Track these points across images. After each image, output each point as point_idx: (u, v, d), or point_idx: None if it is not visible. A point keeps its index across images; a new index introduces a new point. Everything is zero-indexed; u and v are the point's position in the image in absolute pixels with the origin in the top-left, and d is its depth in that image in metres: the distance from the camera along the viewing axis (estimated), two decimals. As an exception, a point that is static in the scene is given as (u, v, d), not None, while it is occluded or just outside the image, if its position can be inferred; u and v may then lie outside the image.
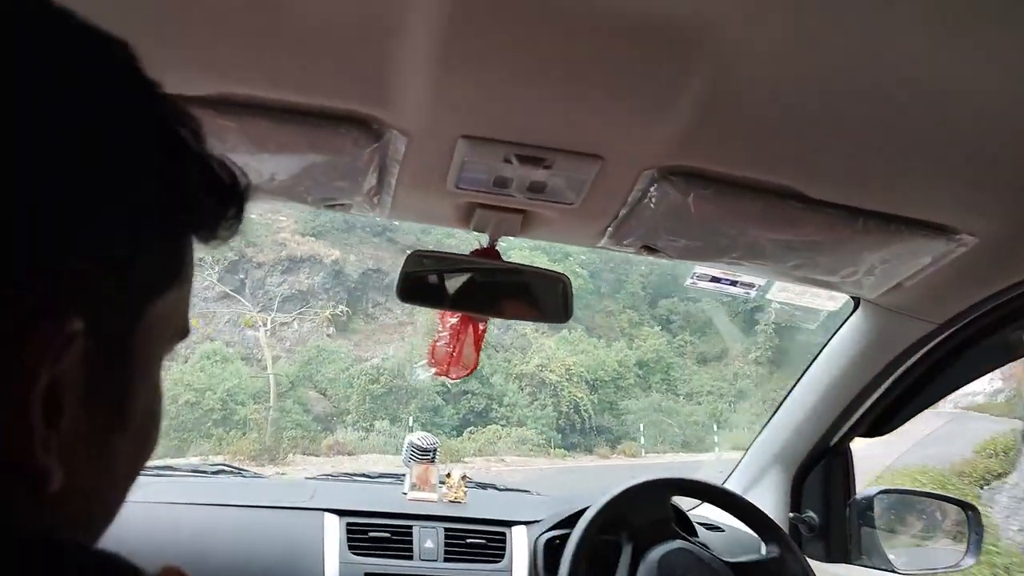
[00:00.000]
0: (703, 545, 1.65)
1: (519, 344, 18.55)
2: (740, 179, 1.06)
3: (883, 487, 1.76)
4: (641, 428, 17.18)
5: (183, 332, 0.49)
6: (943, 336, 1.37)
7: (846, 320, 1.50)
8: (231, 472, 1.87)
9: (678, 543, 1.43)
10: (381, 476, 1.98)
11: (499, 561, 1.57)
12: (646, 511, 1.46)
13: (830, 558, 1.70)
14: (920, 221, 1.12)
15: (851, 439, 1.68)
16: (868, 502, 1.72)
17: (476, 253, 1.23)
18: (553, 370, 18.04)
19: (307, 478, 1.93)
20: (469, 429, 16.22)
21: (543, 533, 1.61)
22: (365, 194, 1.10)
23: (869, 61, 0.80)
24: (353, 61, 0.86)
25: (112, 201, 0.39)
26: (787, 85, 0.85)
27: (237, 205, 0.47)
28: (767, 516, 1.54)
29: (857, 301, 1.45)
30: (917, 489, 1.84)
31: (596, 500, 1.47)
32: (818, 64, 0.81)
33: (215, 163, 0.46)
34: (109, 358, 0.41)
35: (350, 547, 1.52)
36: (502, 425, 16.44)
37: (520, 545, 1.59)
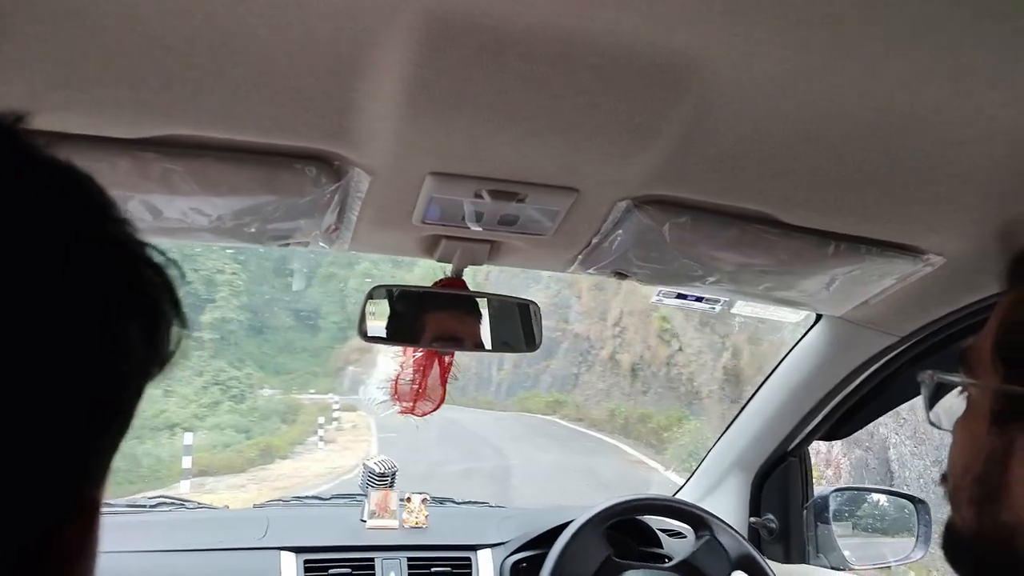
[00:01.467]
0: (668, 557, 1.66)
1: None
2: (715, 206, 1.03)
3: (838, 486, 1.79)
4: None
5: None
6: (903, 348, 1.38)
7: (808, 331, 1.51)
8: (172, 504, 1.75)
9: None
10: (335, 498, 1.90)
11: (466, 588, 1.53)
12: (589, 559, 1.44)
13: (788, 559, 1.73)
14: (890, 243, 1.12)
15: (809, 443, 1.70)
16: (824, 502, 1.75)
17: (440, 284, 1.17)
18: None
19: (256, 506, 1.83)
20: None
21: (509, 556, 1.57)
22: (323, 232, 1.02)
23: (845, 92, 0.78)
24: (315, 101, 0.77)
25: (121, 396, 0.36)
26: (766, 118, 0.83)
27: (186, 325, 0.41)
28: (688, 505, 1.54)
29: (820, 315, 1.46)
30: (869, 486, 1.89)
31: (575, 519, 1.43)
32: (797, 97, 0.79)
33: (176, 295, 0.39)
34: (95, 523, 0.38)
35: None
36: None
37: (487, 570, 1.55)
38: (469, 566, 1.56)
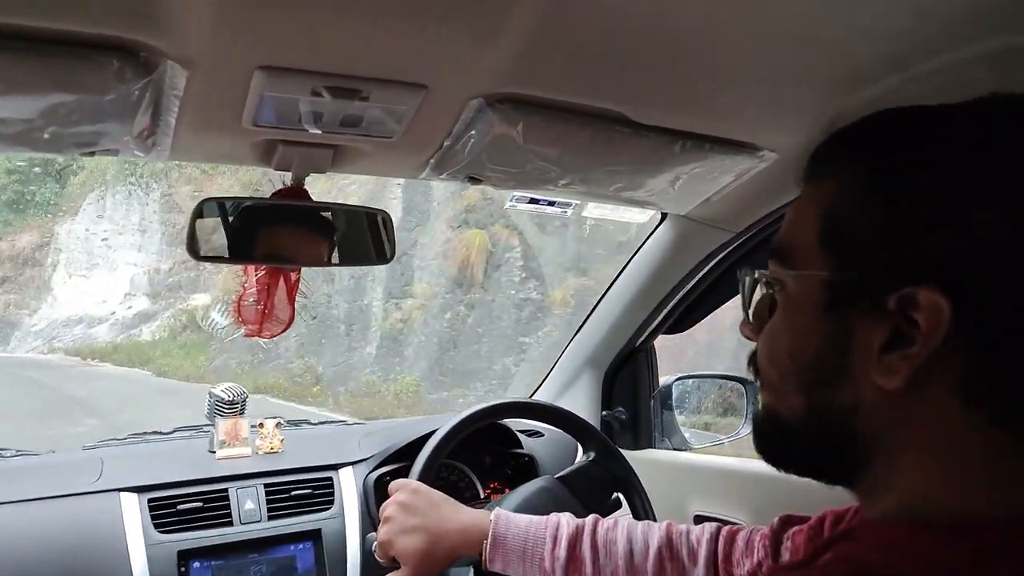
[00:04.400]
0: (528, 456, 1.71)
1: None
2: (568, 105, 1.01)
3: (680, 375, 1.92)
4: None
5: None
6: (737, 243, 1.47)
7: (654, 231, 1.56)
8: None
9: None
10: (177, 431, 1.78)
11: (329, 508, 1.49)
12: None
13: (637, 446, 1.85)
14: (730, 140, 1.16)
15: (655, 337, 1.80)
16: (667, 390, 1.87)
17: (280, 194, 1.07)
18: None
19: (86, 447, 1.66)
20: None
21: (372, 471, 1.55)
22: (136, 137, 0.88)
23: None
24: None
25: None
26: (616, 11, 0.81)
27: None
28: (582, 420, 1.56)
29: (665, 214, 1.50)
30: (706, 373, 2.04)
31: (436, 430, 1.41)
32: None
33: None
34: None
35: (157, 526, 1.35)
36: None
37: (349, 488, 1.53)
38: (331, 486, 1.52)
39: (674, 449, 1.84)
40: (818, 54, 0.93)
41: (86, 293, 15.95)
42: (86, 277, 16.18)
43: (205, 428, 1.70)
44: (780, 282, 0.58)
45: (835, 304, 0.53)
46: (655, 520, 1.33)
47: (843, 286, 0.52)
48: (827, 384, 0.53)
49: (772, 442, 0.60)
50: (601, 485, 1.35)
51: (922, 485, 0.50)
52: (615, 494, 1.45)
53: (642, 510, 1.36)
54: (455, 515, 1.04)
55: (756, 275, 0.63)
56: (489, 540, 0.99)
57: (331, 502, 1.50)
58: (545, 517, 1.03)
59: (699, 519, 1.60)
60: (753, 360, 0.63)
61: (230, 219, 1.05)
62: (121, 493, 1.37)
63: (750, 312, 0.63)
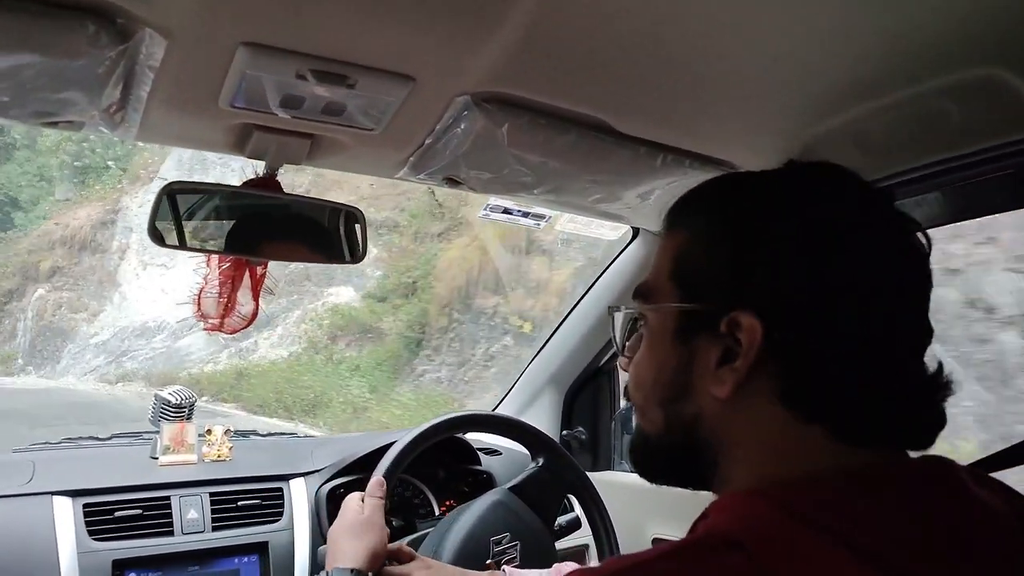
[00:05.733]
0: (486, 473, 1.67)
1: None
2: (554, 109, 1.00)
3: (640, 397, 1.91)
4: None
5: None
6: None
7: (625, 248, 1.56)
8: None
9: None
10: (116, 437, 1.68)
11: (278, 520, 1.42)
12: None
13: (596, 467, 1.83)
14: (708, 157, 1.16)
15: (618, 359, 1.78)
16: (628, 413, 1.85)
17: (250, 184, 1.02)
18: None
19: (16, 449, 1.56)
20: None
21: (325, 483, 1.49)
22: (104, 110, 0.83)
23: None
24: None
25: None
26: (610, 18, 0.81)
27: None
28: (533, 428, 1.48)
29: (637, 230, 1.50)
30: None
31: (395, 443, 1.36)
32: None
33: None
34: None
35: (91, 533, 1.26)
36: None
37: (300, 499, 1.46)
38: (281, 497, 1.45)
39: (633, 471, 1.82)
40: (795, 79, 0.95)
41: (167, 290, 10.90)
42: (167, 267, 11.32)
43: (147, 435, 1.62)
44: (643, 316, 0.67)
45: (683, 330, 0.62)
46: (611, 527, 1.33)
47: (689, 314, 0.62)
48: (677, 399, 0.62)
49: (641, 458, 0.69)
50: (552, 490, 1.35)
51: (753, 470, 0.60)
52: (573, 514, 1.44)
53: (596, 513, 1.35)
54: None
55: (622, 311, 0.73)
56: None
57: (280, 514, 1.43)
58: (550, 571, 1.09)
59: (658, 543, 1.58)
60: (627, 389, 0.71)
61: (197, 205, 1.00)
62: (54, 497, 1.28)
63: (625, 346, 0.72)
